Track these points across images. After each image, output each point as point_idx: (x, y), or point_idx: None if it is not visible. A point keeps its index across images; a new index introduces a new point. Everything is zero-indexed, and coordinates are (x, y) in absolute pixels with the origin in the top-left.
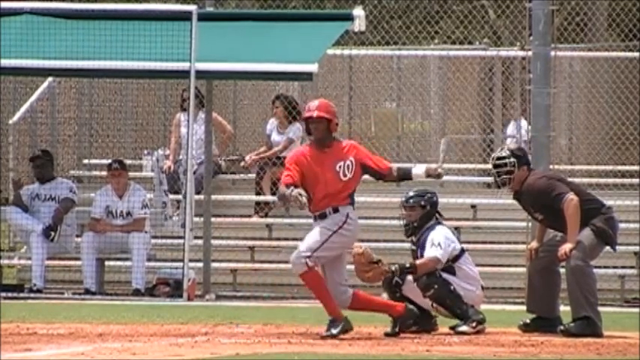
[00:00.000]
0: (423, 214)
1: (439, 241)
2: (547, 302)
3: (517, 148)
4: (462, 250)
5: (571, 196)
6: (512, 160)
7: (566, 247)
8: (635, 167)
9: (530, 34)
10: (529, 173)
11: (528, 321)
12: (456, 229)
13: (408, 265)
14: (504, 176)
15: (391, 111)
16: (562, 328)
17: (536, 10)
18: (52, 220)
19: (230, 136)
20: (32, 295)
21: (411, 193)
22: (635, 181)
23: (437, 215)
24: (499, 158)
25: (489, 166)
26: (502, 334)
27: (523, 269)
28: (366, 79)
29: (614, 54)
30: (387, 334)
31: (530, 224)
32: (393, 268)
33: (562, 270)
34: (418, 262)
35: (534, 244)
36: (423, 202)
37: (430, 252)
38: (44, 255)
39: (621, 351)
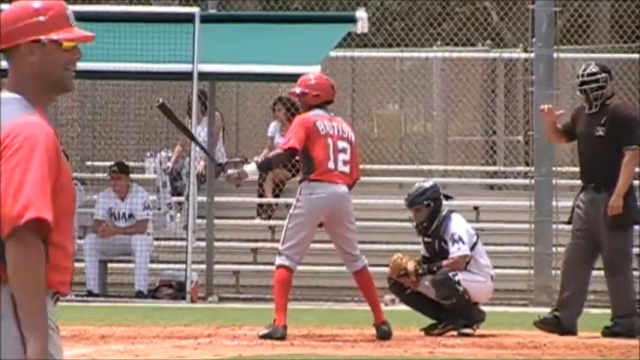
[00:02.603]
0: (429, 212)
1: (460, 236)
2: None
3: (602, 65)
4: (477, 237)
5: (638, 152)
6: (603, 75)
7: (612, 204)
8: (637, 169)
9: (533, 35)
10: (613, 93)
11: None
12: None
13: (435, 269)
14: (596, 92)
15: (394, 113)
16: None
17: (539, 12)
18: None
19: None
20: None
21: (412, 193)
22: (636, 182)
23: (445, 199)
24: (590, 74)
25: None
26: (505, 336)
27: (526, 271)
28: (369, 80)
29: (616, 55)
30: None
31: (533, 226)
32: (421, 271)
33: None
34: (445, 262)
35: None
36: (426, 202)
37: (454, 250)
38: None
39: (624, 353)
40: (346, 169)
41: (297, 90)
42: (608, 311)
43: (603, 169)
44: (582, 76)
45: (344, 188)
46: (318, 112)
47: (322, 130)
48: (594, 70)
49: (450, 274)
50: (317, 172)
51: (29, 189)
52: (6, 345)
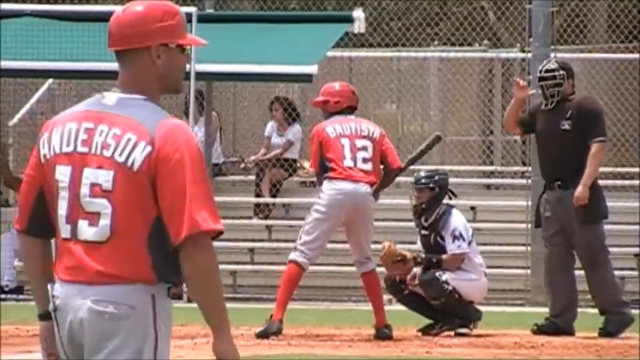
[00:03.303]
0: (431, 197)
1: (460, 232)
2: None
3: (563, 62)
4: (472, 235)
5: (605, 145)
6: (561, 72)
7: (579, 194)
8: (635, 169)
9: (530, 35)
10: (574, 89)
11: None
12: None
13: (435, 261)
14: (552, 89)
15: (391, 112)
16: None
17: (536, 12)
18: None
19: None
20: (32, 297)
21: (422, 174)
22: (635, 182)
23: (449, 195)
24: (547, 71)
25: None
26: (502, 335)
27: (523, 271)
28: (366, 80)
29: (613, 55)
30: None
31: (530, 226)
32: (419, 260)
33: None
34: (445, 257)
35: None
36: (431, 185)
37: (454, 247)
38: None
39: (621, 352)
40: (367, 166)
41: (320, 98)
42: None
43: (569, 164)
44: (540, 72)
45: (365, 188)
46: (334, 117)
47: (332, 133)
48: (552, 67)
49: (437, 274)
50: (336, 171)
51: (204, 200)
52: (142, 343)
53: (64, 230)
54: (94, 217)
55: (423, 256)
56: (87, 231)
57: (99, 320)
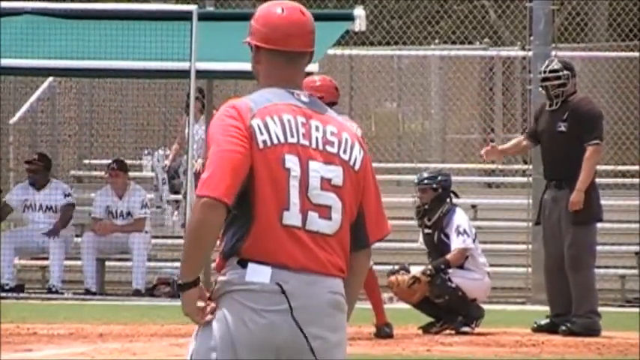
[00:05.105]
0: (434, 197)
1: (464, 228)
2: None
3: (565, 61)
4: (475, 234)
5: (600, 148)
6: (565, 72)
7: (574, 199)
8: (636, 167)
9: (531, 34)
10: (575, 89)
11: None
12: None
13: (442, 267)
14: (557, 89)
15: (392, 111)
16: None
17: (537, 10)
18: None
19: None
20: (32, 295)
21: (425, 175)
22: (636, 181)
23: (451, 195)
24: (552, 71)
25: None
26: (503, 334)
27: (524, 269)
28: (367, 79)
29: (614, 54)
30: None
31: (530, 224)
32: (429, 272)
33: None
34: (449, 256)
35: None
36: (434, 185)
37: (459, 242)
38: (62, 256)
39: (622, 351)
40: None
41: None
42: (607, 309)
43: (565, 166)
44: (544, 72)
45: None
46: None
47: None
48: (556, 67)
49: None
50: None
51: None
52: (342, 342)
53: (294, 218)
54: (324, 210)
55: (431, 267)
56: (319, 223)
57: (335, 312)
